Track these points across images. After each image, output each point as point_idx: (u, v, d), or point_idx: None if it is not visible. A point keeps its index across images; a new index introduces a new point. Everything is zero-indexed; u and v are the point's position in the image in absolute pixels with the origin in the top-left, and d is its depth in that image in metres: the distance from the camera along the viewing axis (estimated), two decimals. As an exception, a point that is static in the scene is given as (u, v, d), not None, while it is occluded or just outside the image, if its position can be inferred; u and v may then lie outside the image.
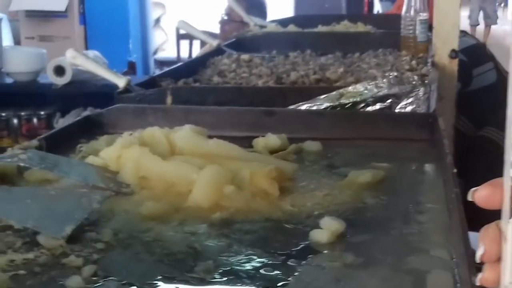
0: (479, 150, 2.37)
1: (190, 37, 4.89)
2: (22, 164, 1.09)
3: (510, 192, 0.52)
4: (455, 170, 1.01)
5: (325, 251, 0.88)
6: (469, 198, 0.56)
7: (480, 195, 0.56)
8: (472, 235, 0.97)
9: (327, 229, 0.92)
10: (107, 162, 1.14)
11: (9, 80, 3.68)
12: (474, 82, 2.65)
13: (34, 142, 1.23)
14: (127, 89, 1.57)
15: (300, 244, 0.90)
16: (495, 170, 0.55)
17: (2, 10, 5.72)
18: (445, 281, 0.80)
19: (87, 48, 5.91)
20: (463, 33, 2.86)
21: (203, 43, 4.03)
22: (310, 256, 0.86)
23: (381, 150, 1.34)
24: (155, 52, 6.71)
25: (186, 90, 1.62)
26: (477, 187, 0.56)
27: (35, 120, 3.55)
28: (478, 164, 2.32)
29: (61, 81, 3.36)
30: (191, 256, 0.86)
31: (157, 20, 6.83)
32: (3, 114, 3.58)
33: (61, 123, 3.48)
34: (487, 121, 2.42)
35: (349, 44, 2.42)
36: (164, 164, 1.09)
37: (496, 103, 2.28)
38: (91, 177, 1.09)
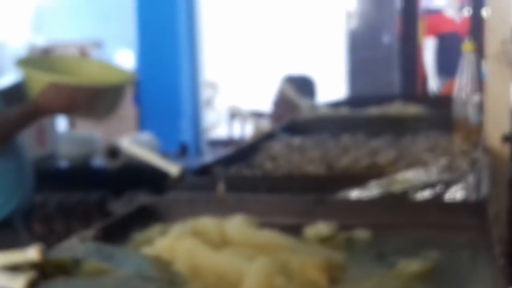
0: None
1: (242, 117, 4.96)
2: (79, 256, 1.13)
3: None
4: (503, 262, 1.01)
5: None
6: None
7: None
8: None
9: (375, 321, 0.93)
10: (161, 252, 1.17)
11: (63, 163, 3.79)
12: None
13: (91, 232, 1.27)
14: (181, 177, 1.61)
15: (349, 337, 0.91)
16: None
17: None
18: None
19: (140, 127, 6.04)
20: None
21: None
22: None
23: (430, 238, 1.34)
24: (207, 132, 6.82)
25: (238, 178, 1.65)
26: None
27: (87, 203, 3.63)
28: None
29: (114, 163, 3.44)
30: None
31: (210, 100, 6.95)
32: (57, 197, 3.67)
33: (114, 206, 3.55)
34: None
35: (401, 127, 2.43)
36: (216, 255, 1.12)
37: None
38: (145, 268, 1.12)
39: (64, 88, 2.11)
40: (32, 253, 1.09)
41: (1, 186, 2.21)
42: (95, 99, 2.13)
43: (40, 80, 2.13)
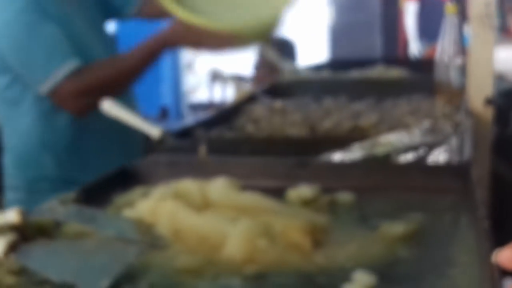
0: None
1: (223, 80, 4.94)
2: (60, 218, 1.12)
3: None
4: (486, 224, 1.01)
5: (357, 306, 0.89)
6: (493, 260, 0.57)
7: (503, 257, 0.56)
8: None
9: (358, 283, 0.92)
10: (143, 215, 1.16)
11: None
12: None
13: (71, 194, 1.26)
14: (162, 140, 1.60)
15: (332, 299, 0.91)
16: None
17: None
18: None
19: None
20: (499, 77, 2.86)
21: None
22: (342, 311, 0.87)
23: (414, 200, 1.34)
24: (187, 95, 6.78)
25: (219, 140, 1.64)
26: (501, 249, 0.57)
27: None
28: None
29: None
30: (224, 311, 0.88)
31: (190, 63, 6.91)
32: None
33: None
34: None
35: (383, 90, 2.43)
36: (198, 217, 1.11)
37: None
38: (127, 230, 1.11)
39: (194, 27, 1.86)
40: (11, 215, 1.08)
41: (105, 143, 2.14)
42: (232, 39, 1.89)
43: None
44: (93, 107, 1.74)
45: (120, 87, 2.08)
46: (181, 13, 1.88)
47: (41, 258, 1.00)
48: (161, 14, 2.15)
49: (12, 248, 1.01)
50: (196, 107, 6.53)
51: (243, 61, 4.98)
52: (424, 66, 2.83)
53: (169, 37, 2.02)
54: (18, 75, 2.03)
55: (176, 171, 1.43)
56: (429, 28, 8.18)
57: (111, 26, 6.05)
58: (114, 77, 2.03)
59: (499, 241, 0.96)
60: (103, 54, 2.17)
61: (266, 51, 3.14)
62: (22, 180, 2.12)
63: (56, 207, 1.14)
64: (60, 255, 1.00)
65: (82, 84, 1.97)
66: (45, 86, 1.96)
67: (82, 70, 1.99)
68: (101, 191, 1.36)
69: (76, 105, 2.01)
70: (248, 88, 2.53)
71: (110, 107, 1.60)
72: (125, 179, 1.45)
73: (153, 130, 1.59)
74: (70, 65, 1.96)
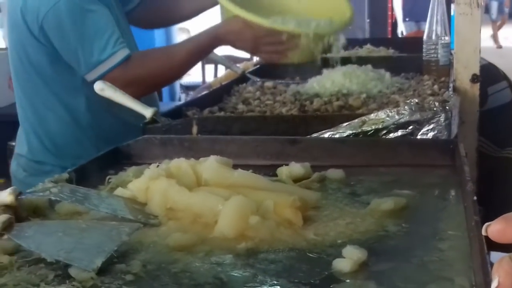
0: (502, 171, 2.37)
1: (215, 62, 4.93)
2: (53, 198, 1.13)
3: None
4: (475, 198, 1.02)
5: (348, 280, 0.90)
6: (483, 232, 0.58)
7: (493, 230, 0.57)
8: (496, 255, 0.99)
9: (349, 258, 0.94)
10: (135, 194, 1.17)
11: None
12: (489, 101, 2.65)
13: (65, 174, 1.26)
14: (154, 120, 1.60)
15: (324, 274, 0.92)
16: None
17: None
18: (465, 310, 0.81)
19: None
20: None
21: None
22: (333, 285, 0.88)
23: (403, 177, 1.36)
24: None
25: (211, 119, 1.65)
26: (491, 222, 0.58)
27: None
28: (503, 185, 2.32)
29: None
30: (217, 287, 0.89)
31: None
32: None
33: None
34: (508, 141, 2.42)
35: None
36: (191, 195, 1.12)
37: None
38: (120, 209, 1.12)
39: (250, 26, 1.88)
40: (5, 195, 1.09)
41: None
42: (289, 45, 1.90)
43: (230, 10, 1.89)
44: (139, 98, 1.70)
45: (167, 80, 2.05)
46: (230, 7, 1.84)
47: (35, 238, 1.01)
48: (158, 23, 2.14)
49: (6, 228, 1.02)
50: (189, 89, 6.51)
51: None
52: (411, 46, 2.84)
53: (223, 34, 1.97)
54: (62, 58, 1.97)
55: (168, 151, 1.45)
56: (415, 8, 8.23)
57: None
58: (163, 69, 1.99)
59: (485, 215, 0.98)
60: (133, 48, 2.11)
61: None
62: (52, 166, 2.04)
63: (49, 187, 1.15)
64: (54, 235, 1.01)
65: (130, 74, 1.92)
66: (94, 73, 1.91)
67: (132, 58, 1.94)
68: (94, 171, 1.37)
69: None
70: (239, 70, 2.53)
71: (102, 88, 1.60)
72: (118, 158, 1.46)
73: (146, 110, 1.60)
74: (122, 54, 1.92)
